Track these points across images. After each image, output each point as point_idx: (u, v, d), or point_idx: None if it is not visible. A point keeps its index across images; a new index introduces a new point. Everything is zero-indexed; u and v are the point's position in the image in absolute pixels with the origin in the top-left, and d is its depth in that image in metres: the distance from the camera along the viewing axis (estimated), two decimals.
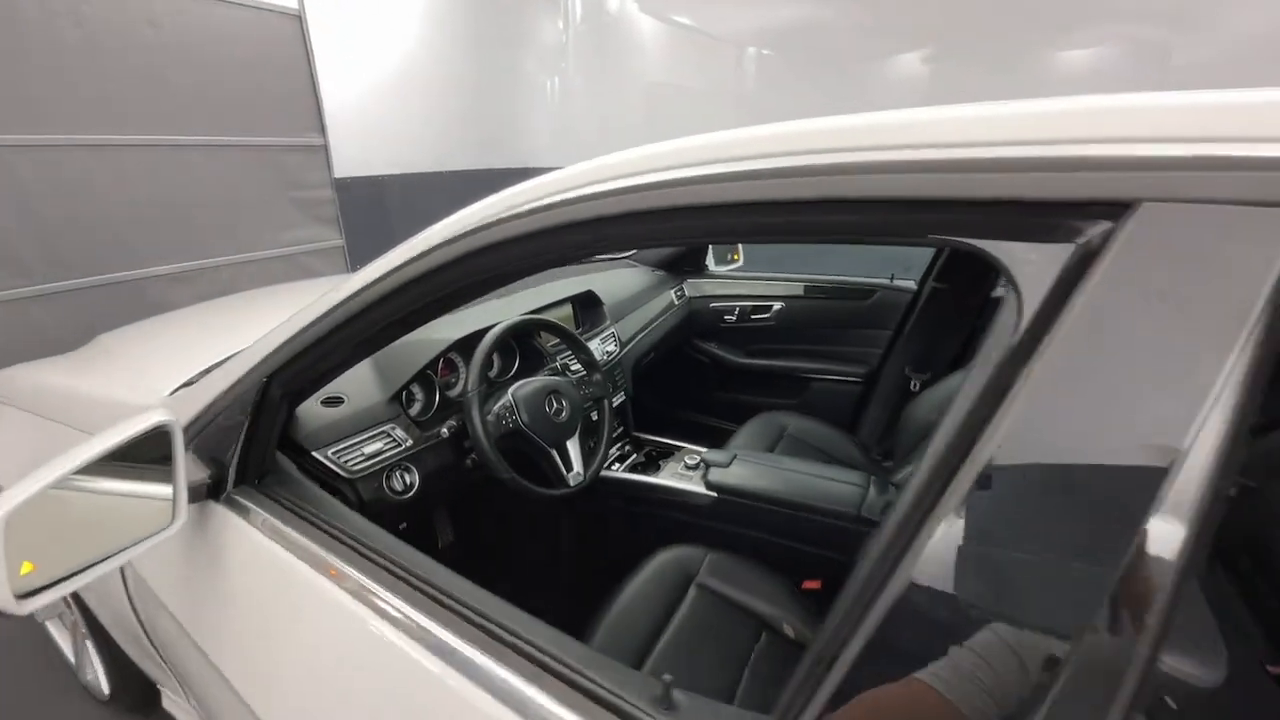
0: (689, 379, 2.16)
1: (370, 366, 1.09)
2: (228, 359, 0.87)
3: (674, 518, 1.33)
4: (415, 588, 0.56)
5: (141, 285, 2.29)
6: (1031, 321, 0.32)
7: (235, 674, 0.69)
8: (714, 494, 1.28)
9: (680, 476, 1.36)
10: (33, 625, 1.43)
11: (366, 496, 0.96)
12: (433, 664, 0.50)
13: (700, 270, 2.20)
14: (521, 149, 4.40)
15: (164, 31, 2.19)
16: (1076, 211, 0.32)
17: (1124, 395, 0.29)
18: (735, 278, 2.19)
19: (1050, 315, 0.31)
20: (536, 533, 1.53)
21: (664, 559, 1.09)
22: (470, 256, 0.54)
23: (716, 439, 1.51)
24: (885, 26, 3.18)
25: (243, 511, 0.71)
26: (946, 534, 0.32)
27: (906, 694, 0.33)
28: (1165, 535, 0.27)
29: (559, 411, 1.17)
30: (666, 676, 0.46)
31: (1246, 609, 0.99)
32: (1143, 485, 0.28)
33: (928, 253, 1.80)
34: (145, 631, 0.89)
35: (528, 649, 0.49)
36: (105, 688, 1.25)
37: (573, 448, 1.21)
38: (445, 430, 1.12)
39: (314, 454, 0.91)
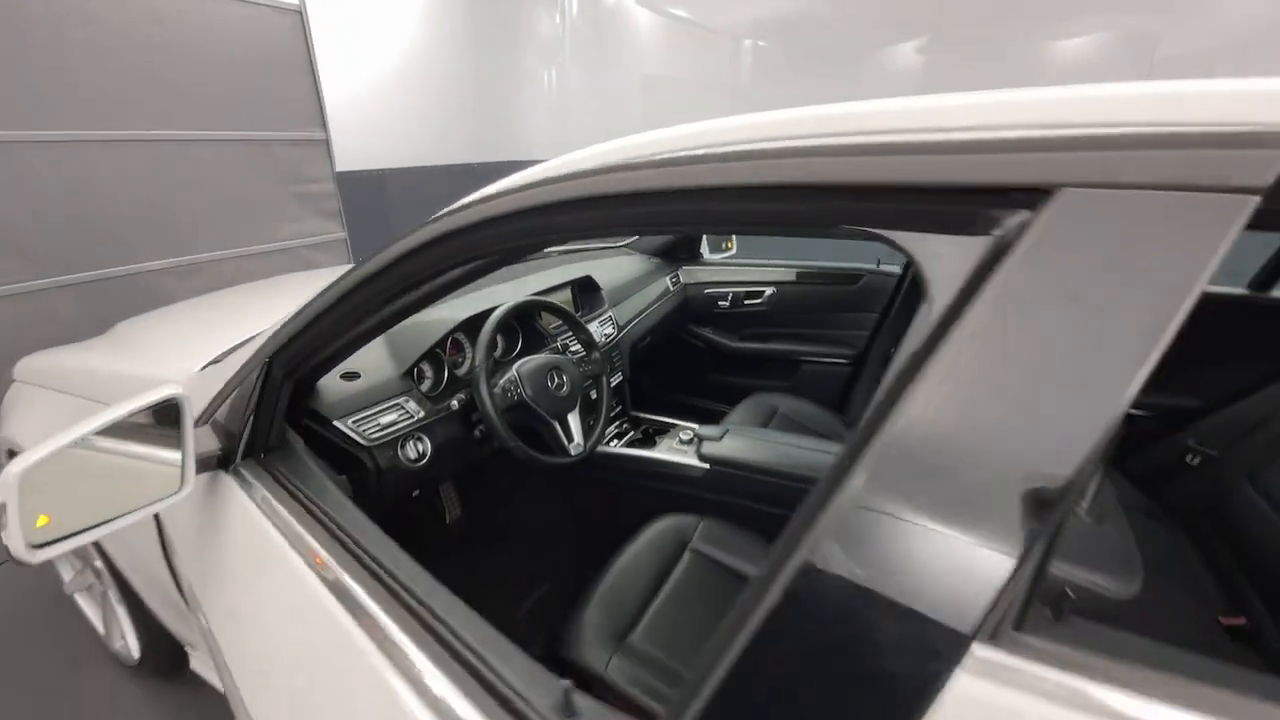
0: (685, 363, 2.22)
1: (383, 346, 1.15)
2: (250, 339, 0.94)
3: (669, 489, 1.40)
4: (376, 576, 0.58)
5: (145, 279, 2.32)
6: (941, 315, 0.31)
7: (223, 637, 0.75)
8: (706, 465, 1.35)
9: (675, 450, 1.43)
10: (62, 602, 1.51)
11: (383, 463, 1.02)
12: (368, 647, 0.53)
13: (695, 258, 2.26)
14: (520, 142, 4.46)
15: (168, 29, 2.22)
16: (992, 200, 0.30)
17: (1018, 402, 0.28)
18: (729, 264, 2.25)
19: (955, 312, 0.30)
20: (538, 505, 1.60)
21: (659, 526, 1.14)
22: (435, 243, 0.59)
23: (711, 420, 1.57)
24: (879, 18, 3.23)
25: (245, 483, 0.76)
26: (851, 516, 0.32)
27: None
28: (1031, 509, 0.27)
29: (560, 386, 1.24)
30: (565, 682, 0.46)
31: (1206, 569, 1.06)
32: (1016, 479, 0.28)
33: None
34: (181, 593, 0.96)
35: (454, 643, 0.50)
36: (135, 652, 1.32)
37: (573, 421, 1.27)
38: (455, 403, 1.19)
39: (335, 423, 0.98)
